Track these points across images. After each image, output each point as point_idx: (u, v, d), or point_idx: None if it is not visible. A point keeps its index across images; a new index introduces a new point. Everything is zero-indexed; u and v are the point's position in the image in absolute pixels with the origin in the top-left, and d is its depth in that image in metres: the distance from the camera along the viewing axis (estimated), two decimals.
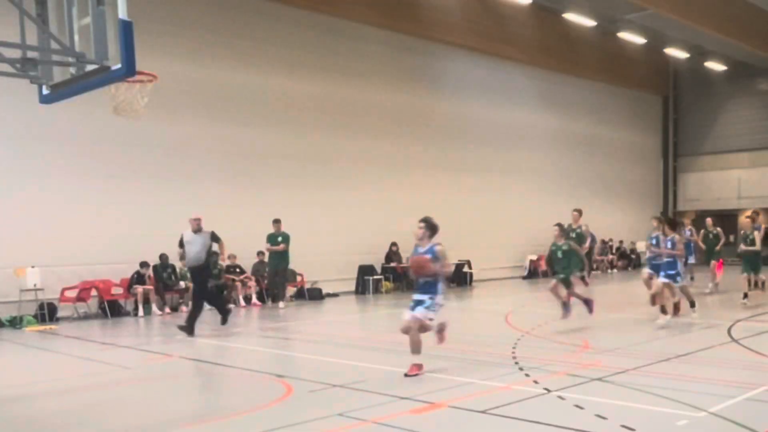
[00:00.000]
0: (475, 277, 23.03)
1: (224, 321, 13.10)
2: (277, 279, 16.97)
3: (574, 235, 14.73)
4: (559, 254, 12.45)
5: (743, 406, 6.81)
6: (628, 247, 30.12)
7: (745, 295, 15.10)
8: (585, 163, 28.73)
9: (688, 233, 19.32)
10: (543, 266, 25.55)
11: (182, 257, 12.90)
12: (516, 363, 9.11)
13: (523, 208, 25.37)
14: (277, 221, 16.74)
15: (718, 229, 19.10)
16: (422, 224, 8.71)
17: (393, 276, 20.95)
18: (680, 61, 31.68)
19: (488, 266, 23.72)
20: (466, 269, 22.82)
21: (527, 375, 8.35)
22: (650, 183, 33.01)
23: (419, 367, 8.49)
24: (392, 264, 20.92)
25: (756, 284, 16.71)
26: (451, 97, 23.56)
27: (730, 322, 12.45)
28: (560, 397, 7.18)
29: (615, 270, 28.48)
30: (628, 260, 29.71)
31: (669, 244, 12.45)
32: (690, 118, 33.10)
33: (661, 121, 33.76)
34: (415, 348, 8.53)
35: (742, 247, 15.34)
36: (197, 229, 12.68)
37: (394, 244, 21.01)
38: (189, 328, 12.30)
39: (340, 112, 20.42)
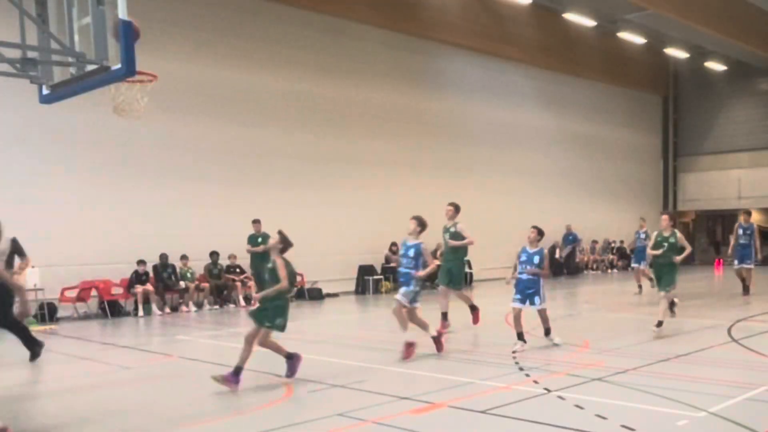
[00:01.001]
0: (475, 277, 23.02)
1: (33, 357, 10.04)
2: (257, 279, 16.88)
3: (447, 235, 11.98)
4: (266, 275, 8.36)
5: (743, 406, 6.81)
6: (628, 247, 30.10)
7: (660, 323, 11.12)
8: (585, 163, 28.73)
9: (642, 236, 18.41)
10: None
11: None
12: (516, 363, 9.11)
13: (523, 208, 25.36)
14: (256, 221, 16.64)
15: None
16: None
17: (393, 276, 20.93)
18: (680, 61, 31.72)
19: (488, 266, 23.70)
20: (466, 269, 22.77)
21: (527, 375, 8.35)
22: (650, 183, 33.01)
23: None
24: (392, 264, 20.89)
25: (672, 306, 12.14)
26: (450, 97, 23.55)
27: (730, 322, 12.45)
28: (560, 397, 7.18)
29: (615, 270, 28.48)
30: (628, 260, 29.69)
31: (537, 259, 10.05)
32: (690, 118, 33.11)
33: (661, 121, 33.76)
34: None
35: (650, 252, 12.17)
36: None
37: (394, 244, 20.96)
38: (34, 352, 10.04)
39: (339, 112, 20.41)
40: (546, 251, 10.25)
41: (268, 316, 7.99)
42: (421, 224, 9.83)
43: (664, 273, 11.52)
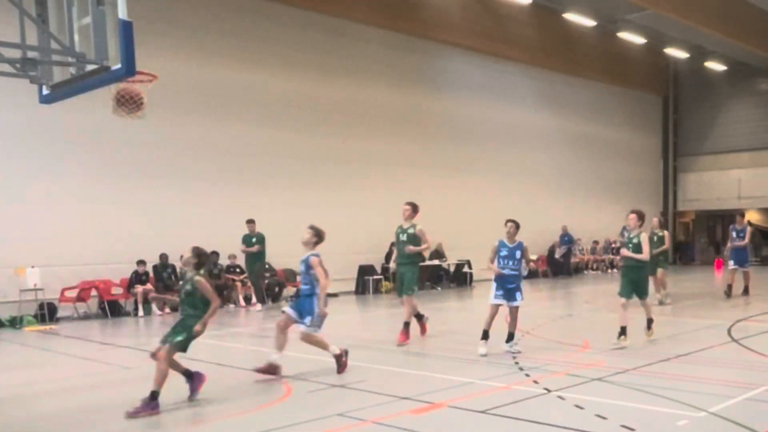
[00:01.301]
0: (475, 277, 23.00)
1: None
2: (251, 279, 16.89)
3: (404, 237, 11.08)
4: (182, 294, 7.55)
5: (743, 406, 6.81)
6: None
7: (622, 331, 10.32)
8: (585, 163, 28.73)
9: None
10: (543, 266, 25.63)
11: None
12: (516, 363, 9.11)
13: (523, 208, 25.31)
14: (251, 221, 16.62)
15: (665, 231, 15.63)
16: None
17: (393, 276, 20.93)
18: (680, 61, 31.74)
19: (488, 266, 23.69)
20: (466, 269, 22.80)
21: (527, 375, 8.35)
22: (650, 183, 33.02)
23: None
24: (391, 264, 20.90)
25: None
26: (450, 97, 23.56)
27: (730, 322, 12.45)
28: (560, 397, 7.18)
29: (615, 270, 28.47)
30: None
31: (519, 254, 9.85)
32: (690, 118, 33.13)
33: (661, 121, 33.77)
34: None
35: (624, 252, 10.58)
36: None
37: (393, 244, 20.98)
38: None
39: (339, 112, 20.41)
40: (525, 245, 9.96)
41: (175, 331, 7.34)
42: (318, 234, 9.08)
43: (636, 279, 10.47)
